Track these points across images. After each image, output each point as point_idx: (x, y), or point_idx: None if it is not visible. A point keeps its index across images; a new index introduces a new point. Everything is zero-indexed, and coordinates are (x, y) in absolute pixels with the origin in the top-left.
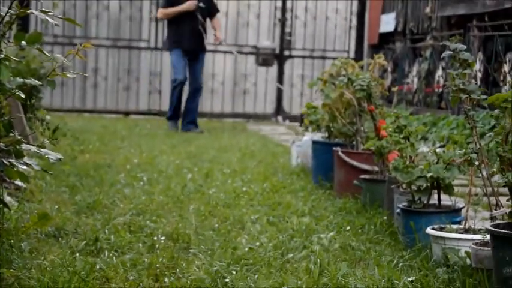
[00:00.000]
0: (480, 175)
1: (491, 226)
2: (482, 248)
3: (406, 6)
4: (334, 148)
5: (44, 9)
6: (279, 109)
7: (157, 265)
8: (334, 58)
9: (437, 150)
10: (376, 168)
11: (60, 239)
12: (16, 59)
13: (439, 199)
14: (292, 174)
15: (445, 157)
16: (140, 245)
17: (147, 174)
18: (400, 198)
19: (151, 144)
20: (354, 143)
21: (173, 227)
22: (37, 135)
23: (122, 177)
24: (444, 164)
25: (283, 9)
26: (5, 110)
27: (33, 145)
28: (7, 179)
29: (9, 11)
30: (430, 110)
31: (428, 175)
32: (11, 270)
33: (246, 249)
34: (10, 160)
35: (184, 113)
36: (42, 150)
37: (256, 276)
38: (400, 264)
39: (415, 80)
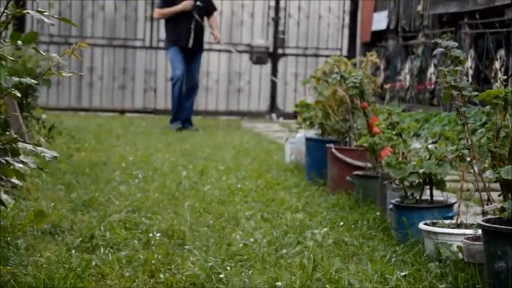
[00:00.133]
0: (472, 171)
1: (482, 221)
2: (474, 242)
3: (398, 5)
4: (327, 145)
5: (39, 9)
6: (273, 107)
7: (153, 261)
8: (327, 56)
9: (430, 146)
10: (369, 165)
11: (56, 236)
12: (12, 58)
13: (431, 195)
14: (286, 171)
15: (437, 153)
16: (135, 241)
17: (143, 172)
18: (393, 194)
19: (146, 142)
20: (347, 139)
21: (168, 224)
22: (33, 133)
23: (117, 175)
24: (436, 160)
25: (277, 8)
26: (1, 108)
27: (29, 143)
28: (3, 177)
29: (5, 11)
30: (422, 106)
31: (421, 171)
32: (8, 267)
33: (241, 245)
34: (6, 158)
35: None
36: (38, 148)
37: (250, 272)
38: (393, 259)
39: (407, 77)
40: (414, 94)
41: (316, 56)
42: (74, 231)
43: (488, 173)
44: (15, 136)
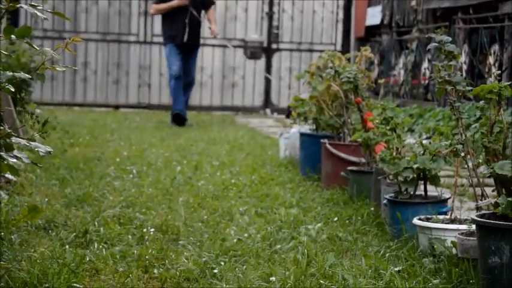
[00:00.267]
0: (466, 166)
1: (476, 216)
2: (468, 238)
3: (392, 0)
4: (321, 140)
5: (33, 3)
6: (267, 102)
7: (147, 257)
8: (321, 51)
9: (424, 141)
10: (363, 160)
11: (50, 231)
12: (6, 53)
13: (426, 190)
14: (280, 166)
15: (431, 148)
16: (130, 236)
17: (137, 167)
18: (387, 189)
19: (140, 137)
20: (341, 134)
21: (162, 219)
22: (27, 128)
23: (111, 170)
24: (430, 155)
25: (271, 2)
26: None
27: (23, 138)
28: None
29: None
30: (417, 101)
31: (415, 166)
32: (2, 262)
33: (235, 240)
34: (0, 153)
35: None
36: (32, 143)
37: (244, 267)
38: (387, 255)
39: (402, 72)
40: (408, 89)
41: (310, 51)
42: (68, 226)
43: (482, 168)
44: (9, 131)
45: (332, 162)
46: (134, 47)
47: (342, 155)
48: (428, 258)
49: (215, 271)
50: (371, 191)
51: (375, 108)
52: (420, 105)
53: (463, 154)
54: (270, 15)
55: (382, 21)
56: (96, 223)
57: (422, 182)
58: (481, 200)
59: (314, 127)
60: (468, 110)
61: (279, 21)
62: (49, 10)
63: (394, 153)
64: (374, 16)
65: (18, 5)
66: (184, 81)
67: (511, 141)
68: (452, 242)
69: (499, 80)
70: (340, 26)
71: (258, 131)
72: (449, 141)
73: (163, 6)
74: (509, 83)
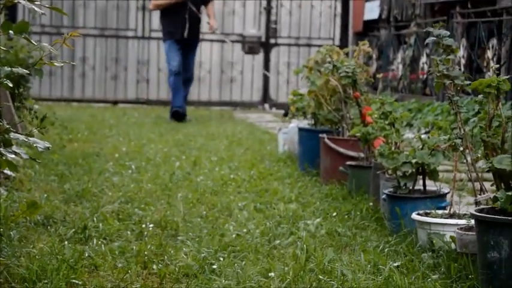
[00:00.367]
0: (464, 160)
1: (475, 211)
2: (467, 232)
3: None
4: (320, 135)
5: None
6: (265, 97)
7: (146, 252)
8: (319, 46)
9: (422, 136)
10: (361, 155)
11: (49, 227)
12: (4, 48)
13: (424, 185)
14: (279, 161)
15: (430, 143)
16: (128, 232)
17: (136, 163)
18: (386, 184)
19: (139, 133)
20: (340, 129)
21: (161, 215)
22: (25, 124)
23: (110, 166)
24: (429, 149)
25: None
26: None
27: (21, 134)
28: None
29: None
30: (415, 96)
31: (414, 161)
32: (1, 258)
33: (234, 236)
34: None
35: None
36: (30, 139)
37: (243, 262)
38: (386, 250)
39: (400, 66)
40: (407, 84)
41: (309, 45)
42: (66, 222)
43: (481, 163)
44: (8, 126)
45: (331, 157)
46: (132, 42)
47: (341, 149)
48: (427, 253)
49: (214, 267)
50: (370, 185)
51: (373, 102)
52: (418, 99)
53: (461, 148)
54: (268, 10)
55: (380, 15)
56: (95, 219)
57: (421, 176)
58: (480, 195)
59: (313, 122)
60: (467, 104)
61: (277, 16)
62: (47, 5)
63: (393, 148)
64: (372, 10)
65: (16, 0)
66: (183, 77)
67: (509, 135)
68: (451, 237)
69: (498, 74)
70: (338, 21)
71: (256, 126)
72: (448, 135)
73: (162, 1)
74: (507, 77)
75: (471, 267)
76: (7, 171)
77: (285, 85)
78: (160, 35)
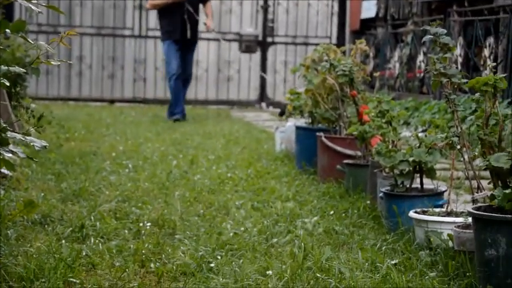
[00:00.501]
0: (462, 159)
1: (473, 209)
2: (464, 230)
3: None
4: (317, 133)
5: None
6: (262, 96)
7: (143, 251)
8: (316, 44)
9: (419, 134)
10: (359, 153)
11: (46, 226)
12: (1, 47)
13: (422, 183)
14: (276, 159)
15: (427, 141)
16: (126, 231)
17: (133, 161)
18: (383, 183)
19: (136, 132)
20: (337, 128)
21: (158, 213)
22: (22, 123)
23: (107, 165)
24: (426, 148)
25: None
26: None
27: (18, 133)
28: None
29: None
30: (412, 94)
31: (411, 159)
32: None
33: (231, 234)
34: None
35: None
36: (27, 138)
37: (241, 261)
38: (384, 248)
39: (397, 65)
40: (404, 82)
41: (306, 44)
42: (64, 221)
43: (478, 161)
44: (5, 125)
45: (328, 155)
46: (129, 41)
47: (338, 148)
48: (425, 251)
49: (212, 265)
50: (367, 184)
51: (370, 101)
52: (415, 98)
53: (458, 147)
54: (265, 9)
55: (377, 14)
56: (92, 218)
57: (418, 175)
58: (477, 193)
59: (310, 120)
60: (464, 103)
61: (274, 15)
62: (44, 4)
63: (390, 146)
64: (369, 9)
65: None
66: (181, 77)
67: (506, 133)
68: (448, 235)
69: (494, 72)
70: (335, 19)
71: (253, 125)
72: (445, 133)
73: (159, 1)
74: (504, 75)
75: (469, 265)
76: (4, 170)
77: (282, 84)
78: (157, 33)
